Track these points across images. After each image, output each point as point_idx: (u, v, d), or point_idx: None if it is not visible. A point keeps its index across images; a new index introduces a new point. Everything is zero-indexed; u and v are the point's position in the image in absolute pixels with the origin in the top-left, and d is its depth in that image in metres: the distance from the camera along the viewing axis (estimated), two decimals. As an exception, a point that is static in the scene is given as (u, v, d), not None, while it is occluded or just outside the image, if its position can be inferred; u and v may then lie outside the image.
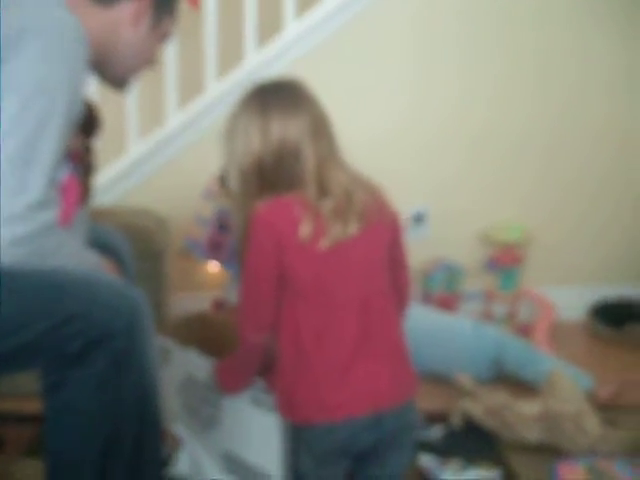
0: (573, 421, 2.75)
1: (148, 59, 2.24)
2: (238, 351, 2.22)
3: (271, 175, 2.06)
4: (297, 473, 2.15)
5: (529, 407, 2.84)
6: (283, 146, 2.05)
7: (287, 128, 2.05)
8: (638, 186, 4.30)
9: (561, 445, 2.76)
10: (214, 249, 2.74)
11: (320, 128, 2.12)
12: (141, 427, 1.86)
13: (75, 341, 1.77)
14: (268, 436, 2.33)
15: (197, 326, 2.79)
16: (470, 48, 4.07)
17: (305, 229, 1.99)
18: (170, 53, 3.78)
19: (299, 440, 2.10)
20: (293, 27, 3.91)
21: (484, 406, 2.88)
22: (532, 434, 2.80)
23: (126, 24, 2.10)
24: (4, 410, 2.91)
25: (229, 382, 2.31)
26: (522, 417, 2.82)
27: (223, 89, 3.90)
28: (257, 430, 2.37)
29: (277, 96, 2.11)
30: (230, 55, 3.97)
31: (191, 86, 3.97)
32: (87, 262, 1.97)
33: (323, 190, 2.04)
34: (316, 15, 3.91)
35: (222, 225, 2.75)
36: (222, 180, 2.71)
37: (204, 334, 2.70)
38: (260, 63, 3.90)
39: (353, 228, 2.03)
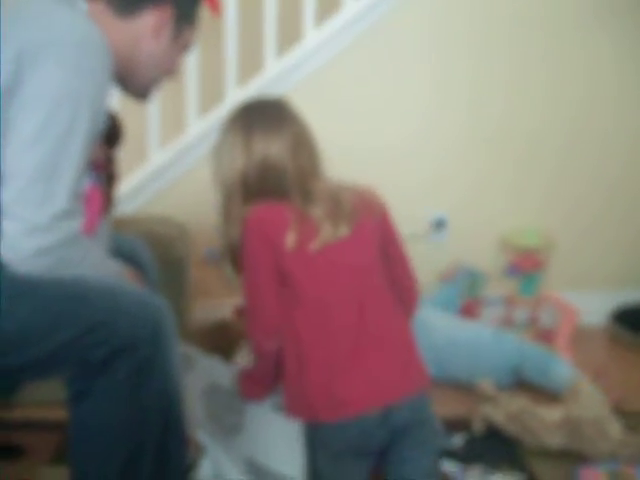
0: (595, 426, 2.75)
1: (170, 69, 2.25)
2: (254, 359, 2.26)
3: (255, 190, 2.15)
4: (315, 473, 2.17)
5: (550, 413, 2.85)
6: (266, 162, 2.14)
7: (269, 146, 2.15)
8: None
9: (583, 450, 2.76)
10: None
11: (301, 144, 2.21)
12: (165, 434, 1.87)
13: (99, 350, 1.78)
14: (290, 441, 2.34)
15: (219, 333, 2.80)
16: (483, 57, 4.07)
17: (293, 232, 2.06)
18: (191, 61, 3.80)
19: (314, 439, 2.14)
20: (312, 36, 3.92)
21: (505, 412, 2.88)
22: (554, 439, 2.80)
23: (147, 36, 2.11)
24: (28, 418, 2.92)
25: (251, 390, 2.36)
26: (544, 422, 2.82)
27: (244, 97, 3.90)
28: (279, 436, 2.39)
29: (261, 115, 2.22)
30: (250, 63, 3.98)
31: (211, 94, 3.98)
32: (110, 271, 1.99)
33: (308, 198, 2.12)
34: (335, 23, 3.92)
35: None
36: None
37: (226, 341, 2.72)
38: (280, 72, 3.91)
39: (343, 229, 2.10)
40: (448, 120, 4.09)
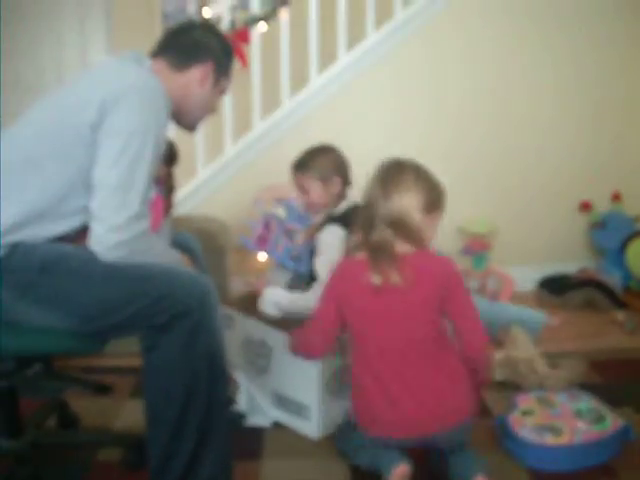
0: (527, 364, 2.78)
1: (211, 109, 2.25)
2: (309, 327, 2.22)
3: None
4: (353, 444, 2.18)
5: (495, 354, 2.87)
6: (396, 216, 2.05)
7: (394, 203, 2.06)
8: (577, 194, 4.31)
9: (518, 382, 2.79)
10: (260, 243, 2.78)
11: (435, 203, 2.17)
12: (212, 376, 1.88)
13: (163, 315, 1.82)
14: (309, 378, 2.40)
15: (251, 300, 2.84)
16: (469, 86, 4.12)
17: (361, 281, 2.03)
18: (227, 101, 3.83)
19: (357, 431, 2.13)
20: (316, 80, 3.95)
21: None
22: (497, 374, 2.83)
23: (195, 85, 2.12)
24: (113, 364, 2.99)
25: (296, 346, 2.28)
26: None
27: (266, 127, 3.94)
28: (300, 375, 2.44)
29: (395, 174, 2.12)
30: (270, 101, 4.00)
31: (242, 125, 4.00)
32: (171, 258, 2.02)
33: (378, 254, 2.06)
34: (332, 71, 3.96)
35: (266, 225, 2.79)
36: (301, 163, 2.78)
37: (255, 306, 2.76)
38: (293, 107, 3.94)
39: (391, 286, 2.02)
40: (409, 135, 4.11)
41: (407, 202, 2.07)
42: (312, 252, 2.72)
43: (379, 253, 2.04)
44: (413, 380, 2.04)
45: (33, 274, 1.82)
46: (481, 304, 3.48)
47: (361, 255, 2.09)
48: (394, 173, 2.12)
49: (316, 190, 2.70)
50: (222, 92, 2.27)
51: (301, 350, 2.25)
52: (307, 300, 2.53)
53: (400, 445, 2.09)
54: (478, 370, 2.13)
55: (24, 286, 1.82)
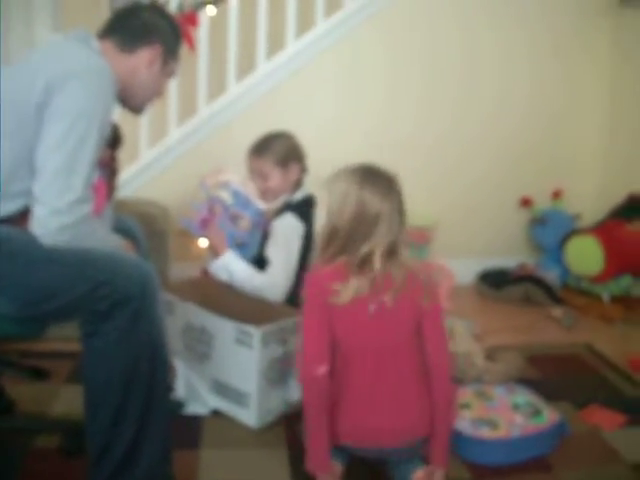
0: (466, 358, 2.80)
1: (158, 92, 2.24)
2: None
3: (343, 239, 1.96)
4: None
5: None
6: (362, 220, 1.94)
7: (373, 207, 1.94)
8: (519, 190, 4.39)
9: (456, 376, 2.77)
10: (204, 226, 2.77)
11: (401, 212, 2.03)
12: (153, 363, 1.87)
13: (103, 302, 1.79)
14: (249, 366, 2.40)
15: (191, 286, 2.83)
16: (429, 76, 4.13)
17: (342, 290, 1.92)
18: (172, 84, 3.78)
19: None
20: (264, 67, 3.93)
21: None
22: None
23: (142, 67, 2.12)
24: (49, 349, 2.93)
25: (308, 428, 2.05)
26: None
27: (211, 112, 3.91)
28: (240, 362, 2.43)
29: (375, 178, 2.02)
30: (217, 86, 3.97)
31: (187, 109, 3.97)
32: (113, 243, 2.00)
33: (361, 266, 1.94)
34: (278, 60, 3.94)
35: (210, 209, 2.77)
36: (257, 148, 2.76)
37: (196, 292, 2.75)
38: (240, 92, 3.91)
39: (374, 299, 1.94)
40: (360, 124, 4.12)
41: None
42: (265, 236, 2.75)
43: (365, 270, 1.96)
44: (389, 390, 2.00)
45: None
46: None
47: (336, 265, 1.98)
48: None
49: (275, 176, 2.72)
50: (170, 75, 2.26)
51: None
52: (262, 282, 2.60)
53: (361, 454, 2.09)
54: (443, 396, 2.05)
55: None
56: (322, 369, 1.94)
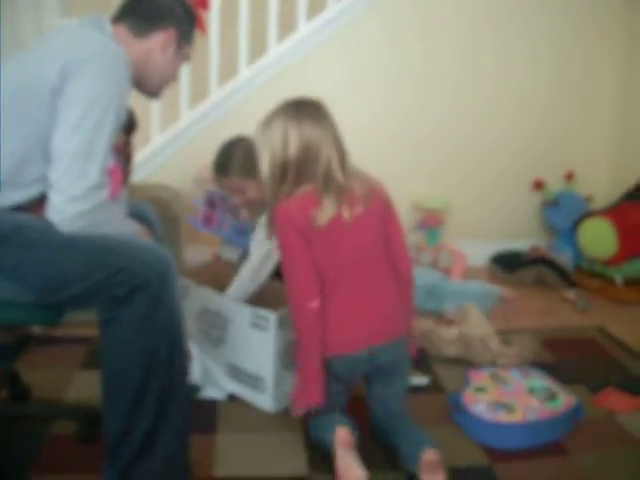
0: (480, 341, 2.81)
1: (173, 76, 2.23)
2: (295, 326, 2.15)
3: (295, 171, 2.06)
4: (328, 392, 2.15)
5: (448, 331, 2.90)
6: (309, 147, 2.05)
7: (314, 133, 2.06)
8: (531, 173, 4.38)
9: (471, 359, 2.82)
10: (207, 223, 2.76)
11: (336, 137, 2.12)
12: (172, 348, 1.87)
13: (121, 287, 1.79)
14: (264, 350, 2.40)
15: (205, 271, 2.83)
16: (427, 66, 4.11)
17: (314, 213, 2.02)
18: (184, 68, 3.77)
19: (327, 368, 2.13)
20: (275, 50, 3.92)
21: (417, 330, 2.92)
22: (450, 351, 2.86)
23: (157, 51, 2.10)
24: (65, 335, 2.94)
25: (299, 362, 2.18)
26: (443, 339, 2.88)
27: (222, 95, 3.91)
28: (255, 345, 2.44)
29: (307, 108, 2.12)
30: (228, 70, 3.97)
31: (198, 93, 3.97)
32: (129, 229, 1.99)
33: (327, 185, 2.04)
34: (292, 40, 3.93)
35: (210, 204, 2.76)
36: (219, 168, 2.69)
37: (210, 277, 2.75)
38: (250, 76, 3.91)
39: (348, 212, 2.05)
40: (368, 109, 4.12)
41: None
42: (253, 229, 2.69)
43: (332, 188, 2.06)
44: (372, 295, 2.13)
45: None
46: (433, 277, 3.54)
47: (304, 191, 2.08)
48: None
49: (250, 187, 2.66)
50: (184, 59, 2.24)
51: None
52: (239, 288, 2.57)
53: (347, 371, 2.15)
54: (408, 289, 2.25)
55: None
56: (315, 302, 2.06)
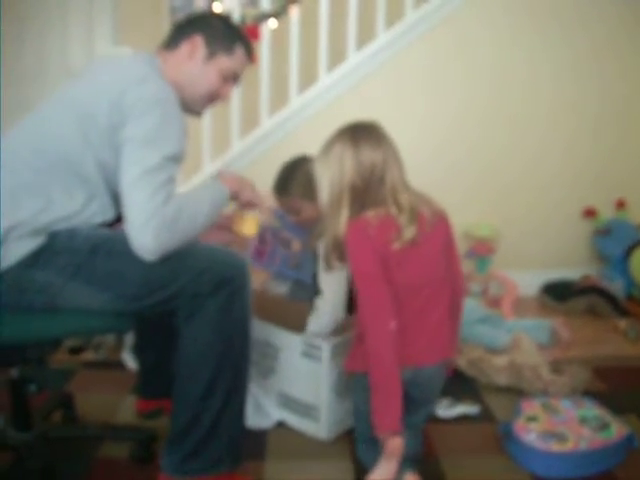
0: (531, 370, 2.81)
1: (212, 88, 2.19)
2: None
3: (359, 195, 1.99)
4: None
5: (499, 360, 2.90)
6: (372, 171, 1.98)
7: (375, 157, 1.98)
8: (582, 201, 4.37)
9: (522, 388, 2.82)
10: (258, 257, 2.79)
11: (396, 159, 2.04)
12: (245, 339, 2.04)
13: (206, 286, 1.92)
14: (317, 379, 2.42)
15: (256, 300, 2.85)
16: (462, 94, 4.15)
17: (389, 237, 1.95)
18: (234, 96, 3.84)
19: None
20: (326, 78, 3.98)
21: (466, 359, 2.95)
22: (501, 380, 2.86)
23: (185, 59, 2.13)
24: (117, 360, 3.00)
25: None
26: (494, 367, 2.88)
27: (273, 124, 3.97)
28: (308, 375, 2.45)
29: (365, 132, 2.04)
30: (278, 98, 4.03)
31: (250, 121, 4.04)
32: (207, 207, 2.01)
33: (399, 207, 1.98)
34: (340, 71, 3.99)
35: (261, 240, 2.79)
36: (280, 186, 2.71)
37: (256, 308, 2.76)
38: (301, 105, 3.97)
39: (418, 234, 1.98)
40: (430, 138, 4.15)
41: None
42: (315, 257, 2.61)
43: (404, 210, 2.00)
44: (432, 317, 2.06)
45: (83, 255, 1.88)
46: (487, 314, 3.48)
47: (377, 213, 2.00)
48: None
49: (306, 208, 2.64)
50: (223, 72, 2.19)
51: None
52: (320, 323, 2.48)
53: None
54: (459, 314, 2.19)
55: (75, 267, 1.88)
56: (393, 323, 1.94)
